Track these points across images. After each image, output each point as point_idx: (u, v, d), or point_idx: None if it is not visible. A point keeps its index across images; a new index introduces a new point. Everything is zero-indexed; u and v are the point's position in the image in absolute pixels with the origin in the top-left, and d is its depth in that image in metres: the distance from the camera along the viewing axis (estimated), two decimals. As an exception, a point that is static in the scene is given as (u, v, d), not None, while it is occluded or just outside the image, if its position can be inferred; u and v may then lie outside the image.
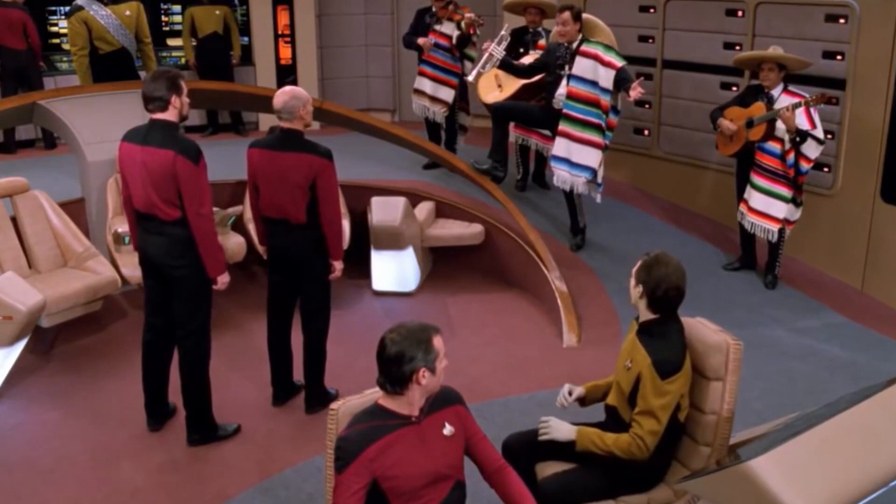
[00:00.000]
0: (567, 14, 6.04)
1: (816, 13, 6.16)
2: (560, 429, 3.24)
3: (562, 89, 6.20)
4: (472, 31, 7.35)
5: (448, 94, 7.60)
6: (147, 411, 4.54)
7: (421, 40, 7.53)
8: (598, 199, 6.33)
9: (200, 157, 4.02)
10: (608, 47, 6.01)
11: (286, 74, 9.55)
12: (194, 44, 8.96)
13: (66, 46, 9.06)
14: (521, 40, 7.13)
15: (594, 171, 6.15)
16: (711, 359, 3.12)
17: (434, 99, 7.62)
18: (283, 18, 9.43)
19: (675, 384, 3.06)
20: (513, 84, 6.91)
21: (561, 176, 6.26)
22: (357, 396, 2.95)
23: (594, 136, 6.08)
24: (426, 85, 7.62)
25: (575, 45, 6.10)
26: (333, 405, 2.93)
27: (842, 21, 6.00)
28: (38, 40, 8.35)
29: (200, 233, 4.06)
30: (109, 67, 7.36)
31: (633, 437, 3.10)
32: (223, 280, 4.26)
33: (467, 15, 7.32)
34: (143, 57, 7.84)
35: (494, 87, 7.06)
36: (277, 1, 9.39)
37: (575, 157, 6.15)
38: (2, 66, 8.33)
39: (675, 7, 7.24)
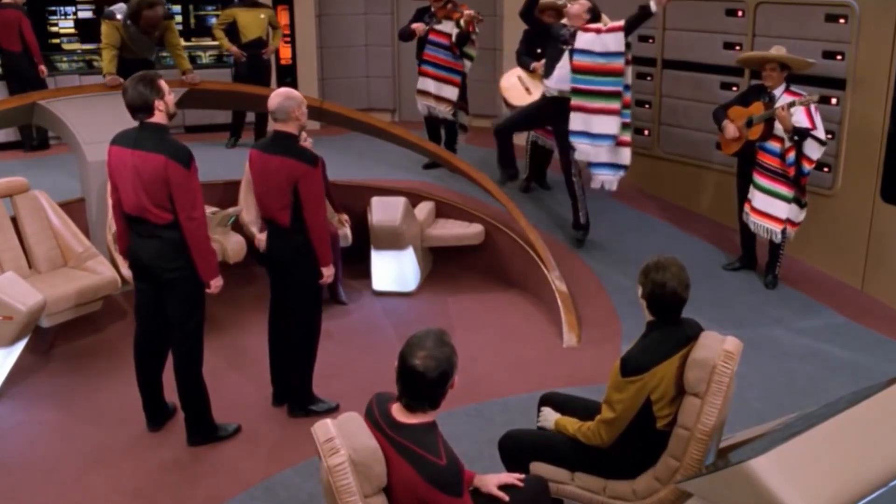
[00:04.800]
0: (586, 2, 6.07)
1: (816, 13, 6.16)
2: (548, 418, 3.48)
3: (558, 71, 6.19)
4: (471, 29, 7.35)
5: (452, 93, 7.60)
6: (146, 413, 4.54)
7: (415, 25, 7.52)
8: (615, 186, 6.33)
9: (192, 160, 4.01)
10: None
11: (286, 74, 9.55)
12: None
13: (66, 46, 9.10)
14: (538, 41, 7.07)
15: (614, 138, 6.09)
16: (689, 372, 3.09)
17: (439, 98, 7.62)
18: (283, 18, 9.42)
19: (632, 385, 3.10)
20: (541, 86, 6.84)
21: (582, 149, 6.19)
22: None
23: (610, 104, 6.05)
24: (430, 85, 7.61)
25: (574, 28, 6.12)
26: (339, 458, 2.62)
27: (842, 21, 6.00)
28: (35, 41, 8.31)
29: (193, 237, 4.05)
30: (131, 72, 7.22)
31: (591, 423, 3.26)
32: (216, 284, 4.23)
33: (466, 12, 7.31)
34: (177, 59, 7.42)
35: (523, 91, 7.06)
36: (277, 1, 9.38)
37: (594, 129, 6.11)
38: (3, 68, 8.33)
39: (675, 7, 7.23)
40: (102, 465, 4.25)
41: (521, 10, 6.44)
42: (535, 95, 6.91)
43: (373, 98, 10.19)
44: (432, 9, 7.51)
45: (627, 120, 6.16)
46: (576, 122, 6.15)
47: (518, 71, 7.25)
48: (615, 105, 6.04)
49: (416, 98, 7.79)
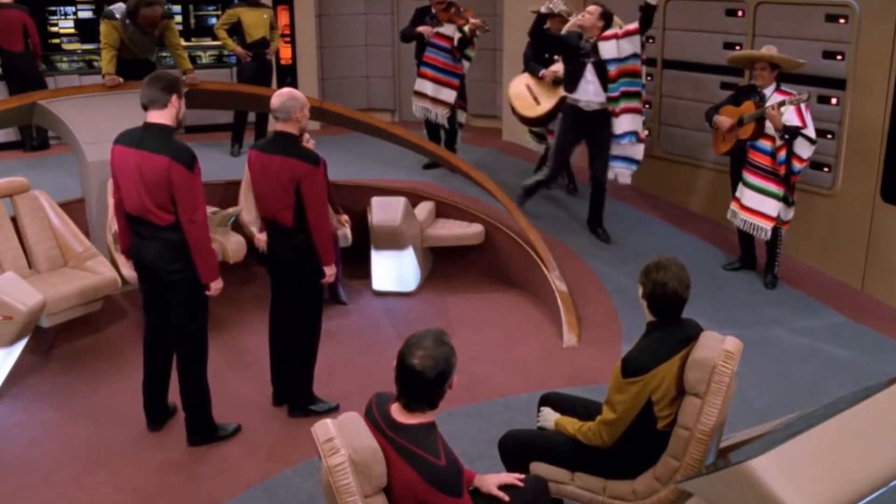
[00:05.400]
0: (596, 8, 6.20)
1: (816, 13, 6.16)
2: (547, 418, 3.48)
3: (591, 86, 6.34)
4: (474, 34, 7.36)
5: (449, 95, 7.59)
6: (146, 413, 4.54)
7: (422, 28, 7.49)
8: (629, 180, 6.67)
9: (195, 162, 4.00)
10: (619, 25, 6.30)
11: (286, 74, 9.55)
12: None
13: (66, 46, 9.10)
14: (546, 45, 6.99)
15: (635, 134, 6.46)
16: (689, 372, 3.09)
17: (436, 101, 7.61)
18: (283, 18, 9.42)
19: (633, 386, 3.10)
20: (551, 97, 6.82)
21: (620, 147, 6.54)
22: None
23: (631, 103, 6.38)
24: (427, 87, 7.60)
25: (593, 39, 6.27)
26: (339, 459, 2.62)
27: (842, 21, 6.00)
28: (38, 41, 8.31)
29: (194, 239, 4.05)
30: (131, 72, 7.16)
31: (592, 423, 3.26)
32: (216, 286, 4.22)
33: (473, 20, 7.31)
34: (177, 59, 7.23)
35: (531, 100, 6.96)
36: (277, 1, 9.38)
37: (617, 129, 6.42)
38: (3, 68, 8.32)
39: (675, 7, 7.24)
40: (102, 465, 4.25)
41: (530, 30, 6.40)
42: (544, 105, 6.84)
43: (373, 98, 10.19)
44: (433, 10, 7.50)
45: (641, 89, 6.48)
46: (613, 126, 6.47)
47: (526, 78, 7.09)
48: (636, 104, 6.37)
49: (412, 99, 7.76)
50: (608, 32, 6.23)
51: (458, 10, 7.45)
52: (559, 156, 6.71)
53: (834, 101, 6.08)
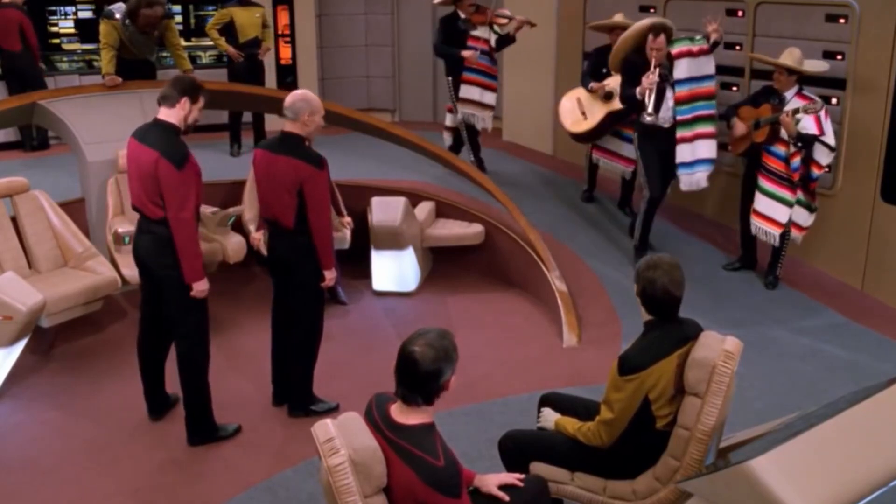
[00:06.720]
0: (659, 41, 5.84)
1: (816, 13, 6.15)
2: (547, 418, 3.49)
3: (668, 102, 5.99)
4: (516, 32, 7.34)
5: (492, 98, 7.55)
6: (147, 403, 4.58)
7: (466, 53, 7.34)
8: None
9: (185, 162, 4.01)
10: (690, 39, 6.01)
11: (286, 74, 9.55)
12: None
13: (66, 46, 9.10)
14: (605, 60, 6.86)
15: (712, 162, 6.08)
16: (689, 372, 3.10)
17: (482, 105, 7.53)
18: (283, 18, 9.43)
19: (630, 384, 3.10)
20: (598, 111, 6.75)
21: (694, 179, 6.10)
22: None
23: (707, 128, 6.00)
24: (475, 93, 7.49)
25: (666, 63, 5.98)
26: (339, 459, 2.62)
27: (842, 21, 6.00)
28: (36, 41, 8.30)
29: (178, 237, 4.05)
30: (131, 72, 7.16)
31: (591, 423, 3.27)
32: (199, 288, 4.17)
33: (518, 17, 7.26)
34: (177, 59, 7.43)
35: (578, 114, 6.88)
36: (277, 1, 9.38)
37: (698, 154, 6.05)
38: (3, 68, 8.32)
39: (675, 7, 7.24)
40: (102, 464, 4.25)
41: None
42: (590, 121, 6.78)
43: (373, 98, 10.19)
44: (462, 15, 7.39)
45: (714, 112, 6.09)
46: (684, 153, 6.05)
47: (579, 92, 6.99)
48: (712, 128, 5.98)
49: (458, 106, 7.54)
50: (681, 48, 5.93)
51: (487, 10, 7.37)
52: (652, 178, 6.18)
53: (834, 101, 6.08)
